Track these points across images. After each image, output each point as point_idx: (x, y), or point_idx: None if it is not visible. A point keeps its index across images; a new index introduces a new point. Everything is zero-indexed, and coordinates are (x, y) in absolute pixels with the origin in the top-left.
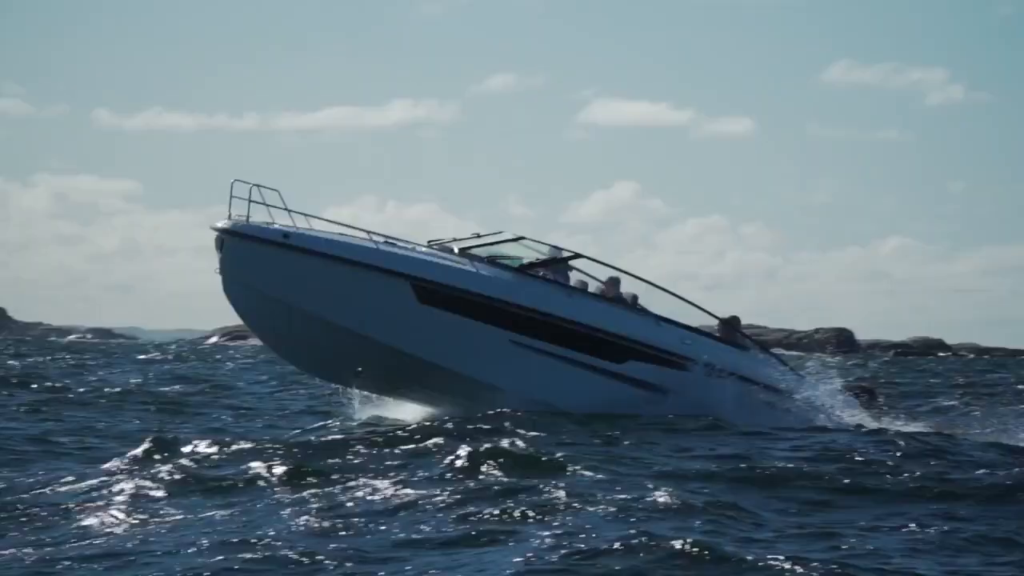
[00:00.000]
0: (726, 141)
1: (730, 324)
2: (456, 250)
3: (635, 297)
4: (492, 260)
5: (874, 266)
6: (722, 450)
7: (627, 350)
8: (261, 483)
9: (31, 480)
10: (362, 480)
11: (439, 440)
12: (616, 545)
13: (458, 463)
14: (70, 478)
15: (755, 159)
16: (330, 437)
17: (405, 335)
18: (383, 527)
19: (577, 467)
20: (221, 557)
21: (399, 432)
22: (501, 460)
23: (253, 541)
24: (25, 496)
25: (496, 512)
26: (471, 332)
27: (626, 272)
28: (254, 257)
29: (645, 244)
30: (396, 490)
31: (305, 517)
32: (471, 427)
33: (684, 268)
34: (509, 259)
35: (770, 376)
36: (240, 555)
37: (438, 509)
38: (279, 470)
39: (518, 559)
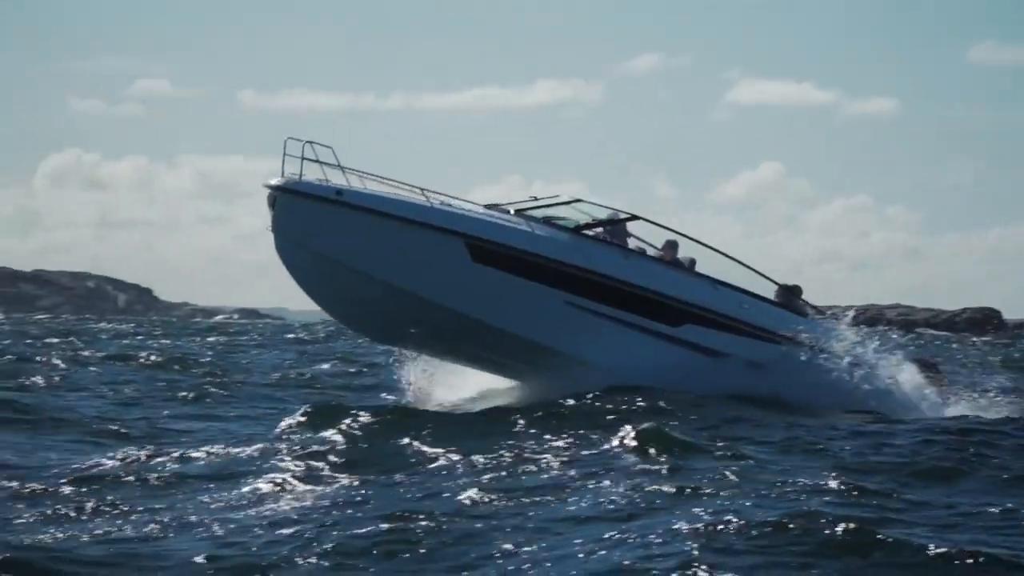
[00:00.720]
0: (870, 121)
1: (789, 290)
2: (512, 211)
3: (693, 261)
4: (548, 220)
5: (1021, 247)
6: (858, 440)
7: (684, 313)
8: (428, 457)
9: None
10: (527, 455)
11: (596, 419)
12: (781, 523)
13: (621, 442)
14: (246, 451)
15: (899, 139)
16: (489, 414)
17: (458, 295)
18: (553, 501)
19: (732, 450)
20: (390, 526)
21: (558, 408)
22: (661, 442)
23: (424, 514)
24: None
25: (662, 488)
26: (525, 292)
27: (686, 236)
28: (307, 214)
29: (790, 225)
30: (563, 466)
31: (475, 491)
32: (619, 407)
33: (829, 248)
34: (565, 220)
35: (830, 342)
36: (412, 526)
37: (607, 485)
38: (446, 445)
39: (687, 530)
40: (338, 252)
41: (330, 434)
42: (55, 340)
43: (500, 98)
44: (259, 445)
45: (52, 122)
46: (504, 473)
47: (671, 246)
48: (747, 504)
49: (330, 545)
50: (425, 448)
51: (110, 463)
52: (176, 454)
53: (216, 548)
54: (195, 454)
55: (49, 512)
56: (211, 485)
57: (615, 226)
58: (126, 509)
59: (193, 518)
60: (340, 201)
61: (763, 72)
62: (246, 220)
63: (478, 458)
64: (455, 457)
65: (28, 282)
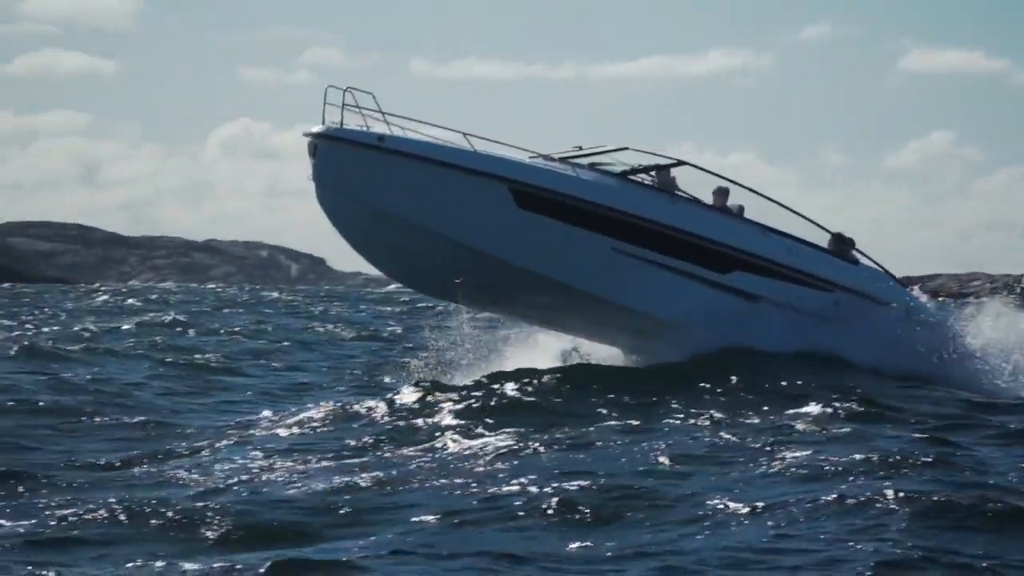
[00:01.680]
0: None
1: (842, 239)
2: (557, 158)
3: (741, 208)
4: (593, 167)
5: None
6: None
7: (732, 260)
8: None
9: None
10: (675, 421)
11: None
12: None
13: (756, 412)
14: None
15: None
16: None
17: (502, 242)
18: (741, 464)
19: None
20: (560, 486)
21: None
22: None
23: (594, 476)
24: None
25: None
26: (571, 239)
27: (736, 183)
28: (348, 161)
29: (961, 192)
30: (710, 435)
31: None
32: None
33: (1001, 216)
34: (612, 166)
35: (881, 292)
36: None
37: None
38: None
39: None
40: (380, 200)
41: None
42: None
43: (671, 67)
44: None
45: (223, 92)
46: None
47: (721, 193)
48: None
49: (551, 502)
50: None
51: None
52: None
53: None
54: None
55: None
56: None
57: (662, 172)
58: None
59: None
60: (382, 147)
61: (933, 42)
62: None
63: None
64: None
65: (201, 251)
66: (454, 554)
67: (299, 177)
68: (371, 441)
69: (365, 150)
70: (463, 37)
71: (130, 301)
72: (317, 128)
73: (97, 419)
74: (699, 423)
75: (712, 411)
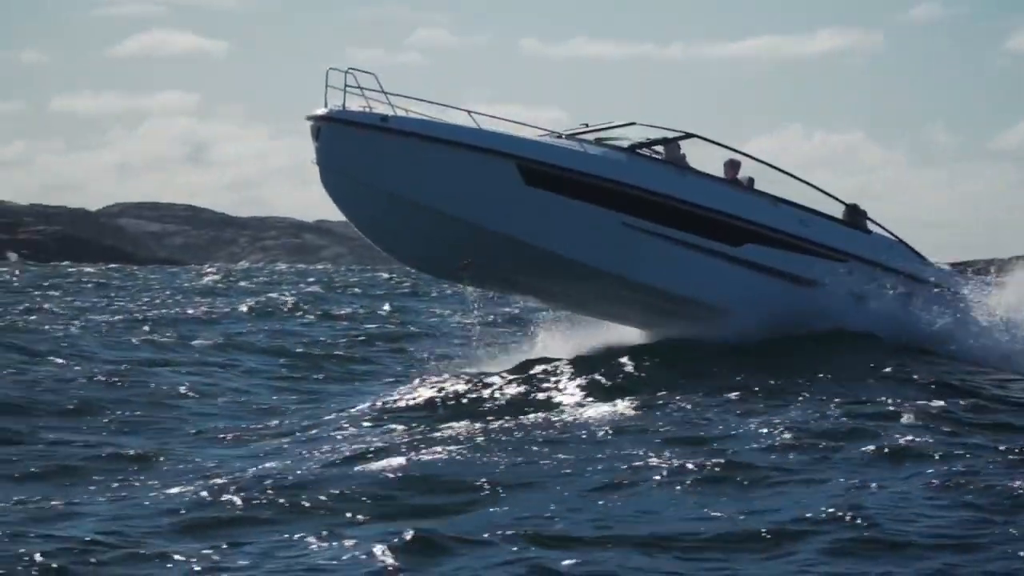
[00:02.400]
0: None
1: (856, 209)
2: (563, 135)
3: (751, 180)
4: (600, 142)
5: None
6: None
7: (744, 232)
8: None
9: None
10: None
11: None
12: None
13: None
14: None
15: None
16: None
17: (511, 219)
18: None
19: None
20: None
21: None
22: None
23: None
24: None
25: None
26: (581, 215)
27: (747, 155)
28: (352, 143)
29: None
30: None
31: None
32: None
33: None
34: (619, 141)
35: (894, 260)
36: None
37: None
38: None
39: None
40: (386, 181)
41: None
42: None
43: (780, 47)
44: None
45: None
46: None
47: (732, 165)
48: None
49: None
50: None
51: None
52: None
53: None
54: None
55: None
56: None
57: (670, 147)
58: None
59: None
60: (386, 128)
61: None
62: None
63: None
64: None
65: (311, 232)
66: (581, 533)
67: None
68: (491, 418)
69: (369, 131)
70: (573, 16)
71: (242, 283)
72: (319, 111)
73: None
74: (809, 400)
75: (811, 389)
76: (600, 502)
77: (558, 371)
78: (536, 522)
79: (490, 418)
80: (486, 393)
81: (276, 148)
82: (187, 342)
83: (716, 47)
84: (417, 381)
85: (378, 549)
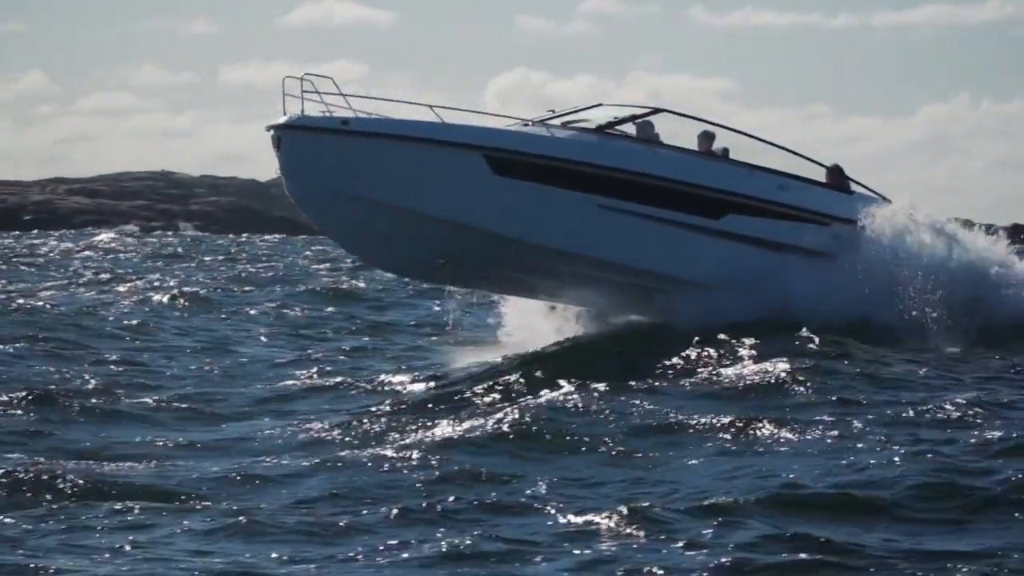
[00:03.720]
0: None
1: (839, 171)
2: (531, 122)
3: (726, 150)
4: (568, 125)
5: None
6: None
7: (723, 204)
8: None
9: None
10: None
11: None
12: None
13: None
14: None
15: None
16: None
17: (484, 212)
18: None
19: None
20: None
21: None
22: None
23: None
24: None
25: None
26: (555, 201)
27: (720, 125)
28: (315, 149)
29: None
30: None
31: None
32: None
33: None
34: (588, 122)
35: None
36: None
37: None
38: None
39: None
40: (353, 185)
41: None
42: None
43: (949, 15)
44: None
45: (500, 41)
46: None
47: (706, 137)
48: None
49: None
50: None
51: None
52: None
53: None
54: None
55: None
56: None
57: (643, 124)
58: None
59: None
60: (348, 131)
61: None
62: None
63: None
64: None
65: None
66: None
67: None
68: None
69: (331, 136)
70: None
71: None
72: (278, 120)
73: None
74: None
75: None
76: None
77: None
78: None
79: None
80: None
81: (447, 117)
82: None
83: (887, 15)
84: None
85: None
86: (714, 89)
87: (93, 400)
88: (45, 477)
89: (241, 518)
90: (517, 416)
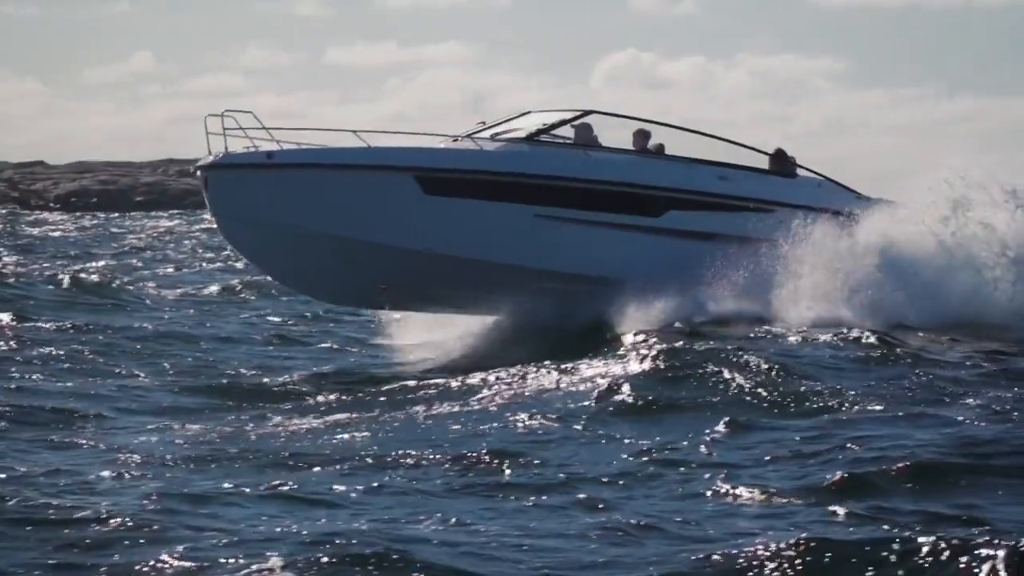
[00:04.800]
0: None
1: (780, 155)
2: (462, 137)
3: (661, 146)
4: (496, 137)
5: None
6: None
7: (662, 201)
8: None
9: None
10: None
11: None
12: None
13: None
14: None
15: None
16: None
17: (419, 233)
18: None
19: None
20: None
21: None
22: None
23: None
24: None
25: None
26: (489, 215)
27: (654, 121)
28: (242, 186)
29: None
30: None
31: None
32: None
33: None
34: (517, 132)
35: (826, 200)
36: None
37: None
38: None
39: None
40: (283, 217)
41: None
42: None
43: None
44: None
45: (611, 21)
46: None
47: (641, 135)
48: None
49: None
50: None
51: None
52: None
53: None
54: None
55: None
56: None
57: (580, 128)
58: None
59: None
60: (273, 164)
61: None
62: (803, 120)
63: None
64: None
65: None
66: None
67: (688, 106)
68: None
69: (256, 171)
70: None
71: None
72: (203, 161)
73: None
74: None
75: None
76: None
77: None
78: None
79: None
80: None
81: (557, 98)
82: None
83: None
84: None
85: None
86: (822, 69)
87: None
88: None
89: None
90: None
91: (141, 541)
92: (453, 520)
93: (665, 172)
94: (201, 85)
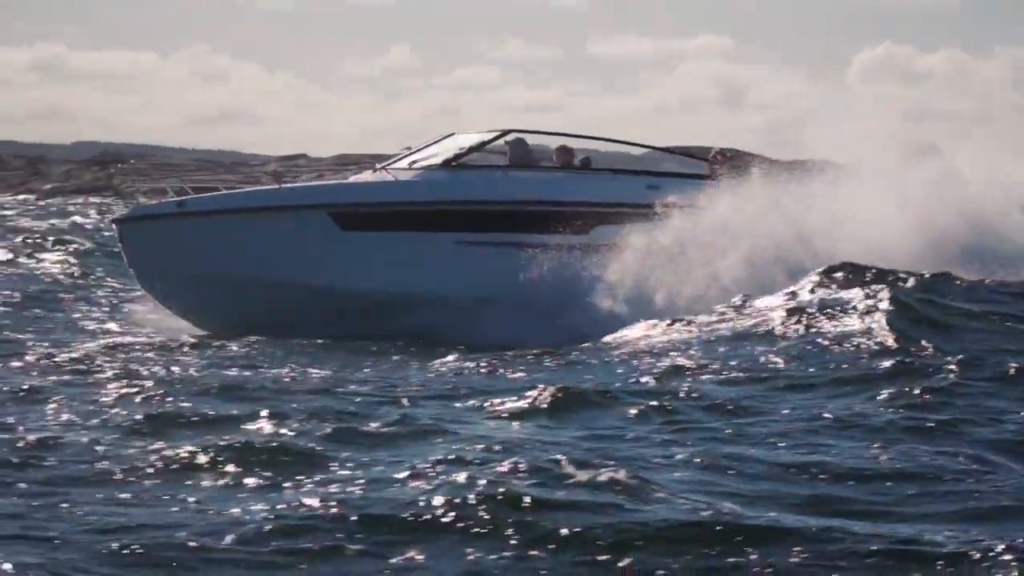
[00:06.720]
0: None
1: (718, 157)
2: (378, 168)
3: (588, 160)
4: (413, 165)
5: None
6: None
7: (589, 216)
8: None
9: None
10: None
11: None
12: None
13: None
14: None
15: None
16: None
17: (338, 271)
18: None
19: None
20: None
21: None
22: None
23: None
24: None
25: None
26: (408, 246)
27: (577, 135)
28: (155, 237)
29: None
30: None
31: None
32: None
33: None
34: (434, 158)
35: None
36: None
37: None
38: None
39: None
40: (200, 265)
41: None
42: None
43: None
44: None
45: (866, 16)
46: None
47: (563, 151)
48: None
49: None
50: None
51: None
52: None
53: None
54: None
55: None
56: None
57: (517, 147)
58: None
59: None
60: (185, 212)
61: None
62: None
63: None
64: None
65: None
66: None
67: (943, 100)
68: None
69: (168, 220)
70: None
71: None
72: (116, 215)
73: None
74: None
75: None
76: None
77: None
78: None
79: None
80: None
81: (811, 92)
82: None
83: None
84: None
85: None
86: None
87: None
88: None
89: None
90: None
91: None
92: None
93: (590, 186)
94: (458, 78)
